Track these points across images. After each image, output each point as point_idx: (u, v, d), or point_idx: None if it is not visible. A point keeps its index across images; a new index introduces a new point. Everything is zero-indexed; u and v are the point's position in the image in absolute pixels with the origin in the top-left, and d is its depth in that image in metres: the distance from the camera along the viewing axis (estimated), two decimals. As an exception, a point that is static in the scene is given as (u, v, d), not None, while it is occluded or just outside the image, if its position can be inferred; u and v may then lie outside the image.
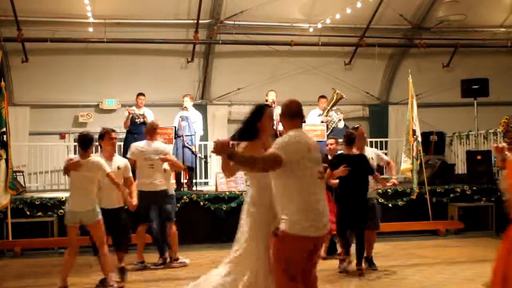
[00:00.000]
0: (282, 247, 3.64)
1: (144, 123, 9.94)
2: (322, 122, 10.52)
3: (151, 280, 6.63)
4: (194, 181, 10.36)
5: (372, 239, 6.97)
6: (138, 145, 7.33)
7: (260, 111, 4.32)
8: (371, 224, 6.86)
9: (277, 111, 10.39)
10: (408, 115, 9.88)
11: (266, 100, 10.28)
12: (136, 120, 10.05)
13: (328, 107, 10.62)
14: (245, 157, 3.83)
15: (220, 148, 3.72)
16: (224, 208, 9.25)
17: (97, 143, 6.60)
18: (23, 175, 11.10)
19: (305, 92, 11.36)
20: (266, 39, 12.49)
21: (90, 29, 11.58)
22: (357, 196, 6.64)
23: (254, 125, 4.29)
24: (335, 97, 10.66)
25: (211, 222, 9.31)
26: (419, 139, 9.89)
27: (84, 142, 5.98)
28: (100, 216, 5.94)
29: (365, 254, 6.83)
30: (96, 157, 6.12)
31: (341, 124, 10.80)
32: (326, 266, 7.05)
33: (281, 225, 3.65)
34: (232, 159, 3.77)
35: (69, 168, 5.90)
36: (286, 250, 3.63)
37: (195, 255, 8.20)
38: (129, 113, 10.13)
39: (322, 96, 10.86)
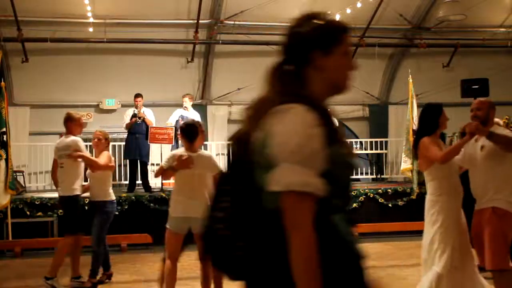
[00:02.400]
0: (502, 224, 4.18)
1: (143, 121, 9.98)
2: None
3: (152, 280, 6.63)
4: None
5: None
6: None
7: (441, 108, 4.80)
8: None
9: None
10: (408, 115, 9.89)
11: None
12: (137, 120, 10.05)
13: None
14: (507, 137, 4.30)
15: (475, 128, 4.18)
16: (224, 208, 9.22)
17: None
18: (23, 175, 11.11)
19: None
20: (266, 39, 12.46)
21: (90, 29, 11.58)
22: None
23: (436, 120, 4.69)
24: None
25: (211, 222, 9.29)
26: (419, 139, 9.88)
27: (191, 132, 5.17)
28: None
29: None
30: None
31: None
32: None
33: (499, 204, 4.21)
34: (491, 138, 4.20)
35: (180, 167, 5.01)
36: (505, 227, 4.18)
37: (195, 255, 8.18)
38: (132, 117, 10.08)
39: None
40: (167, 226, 5.21)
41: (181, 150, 5.37)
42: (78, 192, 6.34)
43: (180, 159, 5.01)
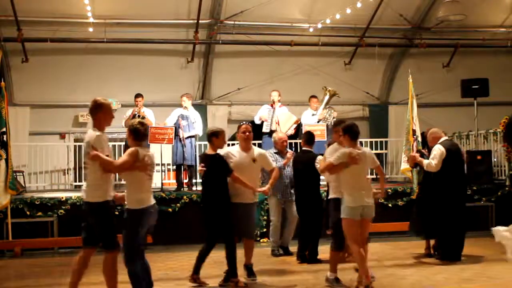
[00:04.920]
0: None
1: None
2: (319, 121, 10.50)
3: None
4: (194, 181, 10.37)
5: (248, 246, 6.38)
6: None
7: None
8: (245, 232, 6.30)
9: (279, 112, 10.42)
10: (408, 115, 9.86)
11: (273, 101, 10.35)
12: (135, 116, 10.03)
13: (323, 105, 10.60)
14: None
15: None
16: (224, 208, 9.21)
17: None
18: (23, 175, 11.10)
19: (305, 92, 11.36)
20: (266, 39, 12.49)
21: (90, 29, 11.58)
22: (213, 198, 6.16)
23: None
24: (328, 94, 10.64)
25: (211, 222, 9.29)
26: (419, 139, 9.87)
27: (355, 132, 5.79)
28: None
29: (245, 262, 6.42)
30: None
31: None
32: (325, 267, 7.05)
33: None
34: None
35: (352, 162, 5.68)
36: None
37: (195, 255, 8.17)
38: (132, 113, 10.10)
39: (313, 96, 10.86)
40: (344, 216, 5.73)
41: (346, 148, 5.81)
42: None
43: (351, 156, 5.65)
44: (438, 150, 7.36)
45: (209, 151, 6.37)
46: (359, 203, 5.71)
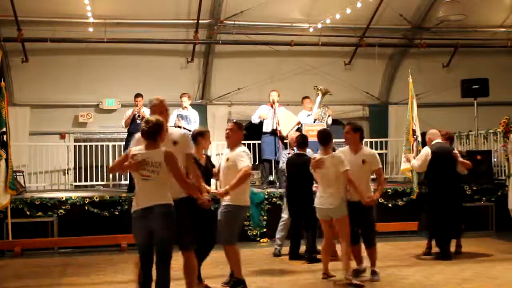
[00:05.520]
0: None
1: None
2: (315, 120, 10.48)
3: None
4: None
5: (227, 253, 6.03)
6: None
7: None
8: (220, 235, 6.03)
9: (278, 112, 10.41)
10: (408, 115, 9.87)
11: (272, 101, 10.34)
12: (137, 119, 10.02)
13: (317, 105, 10.58)
14: None
15: None
16: (224, 208, 9.19)
17: None
18: (23, 175, 11.10)
19: (305, 92, 11.37)
20: (266, 39, 12.48)
21: (90, 29, 11.57)
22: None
23: None
24: (320, 94, 10.62)
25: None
26: (419, 139, 9.88)
27: (325, 138, 6.25)
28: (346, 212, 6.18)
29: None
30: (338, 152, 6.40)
31: (329, 120, 10.76)
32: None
33: None
34: None
35: (315, 167, 6.20)
36: None
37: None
38: (133, 112, 10.10)
39: (306, 97, 10.84)
40: (317, 216, 6.43)
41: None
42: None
43: (312, 163, 6.25)
44: (423, 151, 7.69)
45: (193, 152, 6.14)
46: (322, 205, 6.22)
